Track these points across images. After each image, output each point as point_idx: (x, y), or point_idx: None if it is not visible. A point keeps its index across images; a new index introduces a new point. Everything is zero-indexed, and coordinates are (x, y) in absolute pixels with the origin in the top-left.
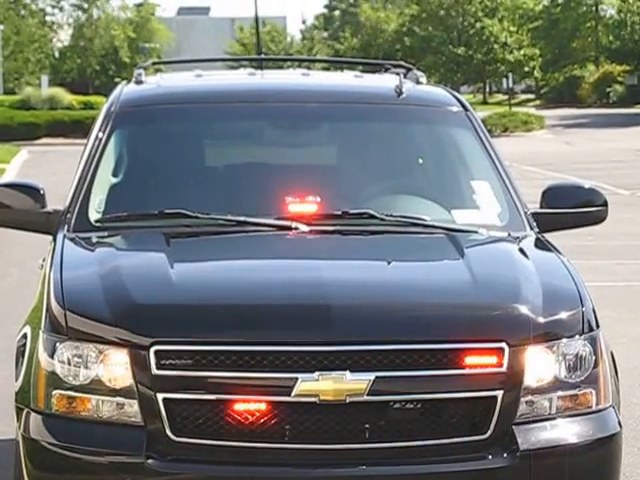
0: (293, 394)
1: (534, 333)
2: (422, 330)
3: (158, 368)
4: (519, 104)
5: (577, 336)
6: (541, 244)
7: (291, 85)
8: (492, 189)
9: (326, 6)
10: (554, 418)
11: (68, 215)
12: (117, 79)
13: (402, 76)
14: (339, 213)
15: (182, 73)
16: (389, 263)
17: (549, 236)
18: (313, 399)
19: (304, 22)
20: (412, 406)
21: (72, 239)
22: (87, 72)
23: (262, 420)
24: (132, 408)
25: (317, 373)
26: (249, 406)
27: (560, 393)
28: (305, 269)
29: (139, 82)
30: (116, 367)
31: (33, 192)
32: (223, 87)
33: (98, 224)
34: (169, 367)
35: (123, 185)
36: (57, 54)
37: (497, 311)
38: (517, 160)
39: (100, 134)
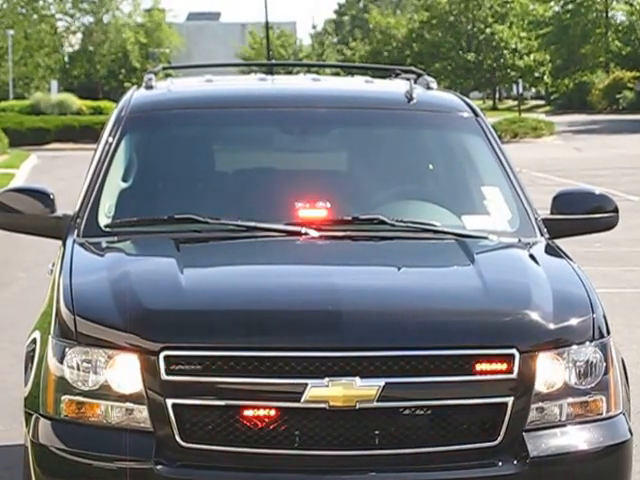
0: (303, 400)
1: (544, 339)
2: (432, 336)
3: (167, 373)
4: (529, 110)
5: (588, 342)
6: (552, 250)
7: (301, 90)
8: (502, 195)
9: (336, 11)
10: (564, 425)
11: (78, 220)
12: (127, 84)
13: (412, 81)
14: (349, 219)
15: (192, 78)
16: (399, 269)
17: (559, 242)
18: (323, 405)
19: (314, 27)
20: (422, 412)
21: (82, 244)
22: (97, 77)
23: (271, 426)
24: (141, 414)
25: (327, 379)
26: (259, 412)
27: (570, 400)
28: (315, 275)
29: (149, 87)
30: (125, 372)
31: (43, 197)
32: (233, 92)
33: (108, 229)
34: (179, 372)
35: (133, 190)
36: (67, 59)
37: (507, 317)
38: (527, 166)
39: (110, 139)
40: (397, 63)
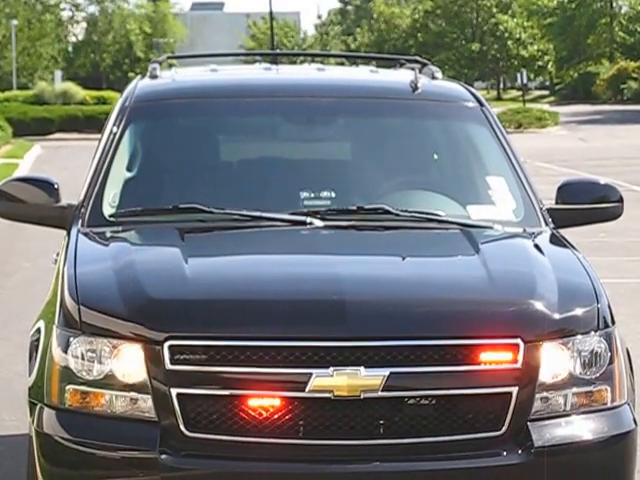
0: (307, 390)
1: (549, 329)
2: (437, 326)
3: (172, 363)
4: (533, 100)
5: (592, 332)
6: (556, 240)
7: (306, 80)
8: (507, 185)
9: (340, 0)
10: (569, 415)
11: (82, 210)
12: (131, 74)
13: (417, 71)
14: (354, 208)
15: (197, 68)
16: (404, 259)
17: (564, 232)
18: (327, 395)
19: (320, 17)
20: (427, 402)
21: (86, 234)
22: (101, 67)
23: (276, 416)
24: (146, 403)
25: (331, 369)
26: (263, 402)
27: (575, 390)
28: (320, 264)
29: (154, 76)
30: (130, 362)
31: (47, 186)
32: (238, 82)
33: (112, 219)
34: (183, 362)
35: (137, 180)
36: (71, 49)
37: (512, 307)
38: (531, 156)
39: (114, 128)
40: (401, 53)
